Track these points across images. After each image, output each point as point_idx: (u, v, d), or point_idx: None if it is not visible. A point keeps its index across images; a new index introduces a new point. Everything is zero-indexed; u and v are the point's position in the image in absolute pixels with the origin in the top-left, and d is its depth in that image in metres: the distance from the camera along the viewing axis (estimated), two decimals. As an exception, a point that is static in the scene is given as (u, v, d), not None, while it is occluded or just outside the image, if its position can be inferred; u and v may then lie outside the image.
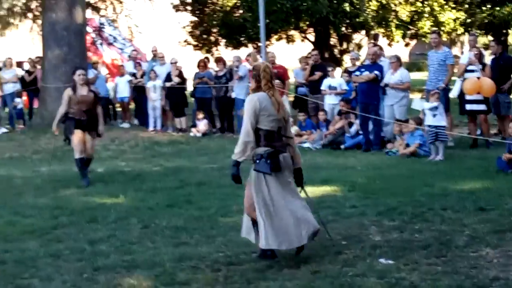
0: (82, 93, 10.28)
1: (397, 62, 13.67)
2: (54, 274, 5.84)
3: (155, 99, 17.44)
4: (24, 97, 20.13)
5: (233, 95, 16.52)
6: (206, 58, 19.61)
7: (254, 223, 5.89)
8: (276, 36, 28.09)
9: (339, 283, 5.26)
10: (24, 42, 27.93)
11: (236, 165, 5.82)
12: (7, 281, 5.67)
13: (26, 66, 20.76)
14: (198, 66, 17.58)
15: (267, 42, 23.96)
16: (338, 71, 17.62)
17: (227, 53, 26.74)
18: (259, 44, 18.41)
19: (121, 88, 18.69)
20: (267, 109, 5.78)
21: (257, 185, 5.79)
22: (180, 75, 17.56)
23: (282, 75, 15.80)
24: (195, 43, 29.84)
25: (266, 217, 5.72)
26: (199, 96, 17.45)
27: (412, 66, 44.39)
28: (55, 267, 6.07)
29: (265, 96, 5.82)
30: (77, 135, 10.34)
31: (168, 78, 17.41)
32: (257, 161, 5.76)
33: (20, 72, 20.21)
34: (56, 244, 6.91)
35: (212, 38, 29.49)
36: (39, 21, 22.56)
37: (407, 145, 12.59)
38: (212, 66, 19.58)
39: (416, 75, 30.47)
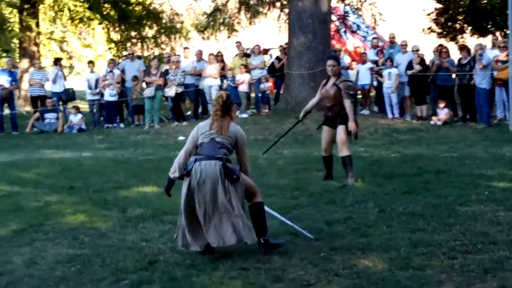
0: (327, 87, 9.52)
1: None
2: (292, 251, 6.11)
3: (389, 86, 17.46)
4: (270, 83, 21.04)
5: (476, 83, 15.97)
6: (440, 45, 19.08)
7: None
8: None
9: None
10: (272, 30, 29.09)
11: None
12: (249, 255, 6.02)
13: (274, 53, 21.62)
14: (440, 53, 17.22)
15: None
16: None
17: (471, 41, 25.81)
18: (507, 31, 17.57)
19: (362, 75, 18.88)
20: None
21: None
22: (422, 62, 17.34)
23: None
24: (439, 30, 29.16)
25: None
26: (440, 84, 17.10)
27: None
28: (294, 244, 6.35)
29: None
30: (324, 132, 9.76)
31: (409, 65, 17.30)
32: None
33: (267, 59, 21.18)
34: (295, 223, 7.23)
35: (457, 26, 28.62)
36: (286, 10, 23.38)
37: None
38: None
39: None
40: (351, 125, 9.30)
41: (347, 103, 9.28)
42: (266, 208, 6.47)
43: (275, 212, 6.91)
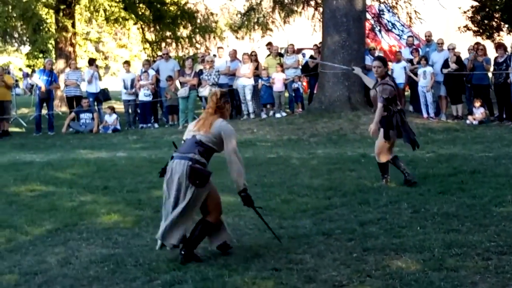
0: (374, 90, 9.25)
1: None
2: (325, 251, 6.11)
3: (424, 85, 17.31)
4: (304, 83, 21.00)
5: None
6: (477, 43, 18.84)
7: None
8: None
9: None
10: (305, 29, 29.00)
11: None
12: (281, 255, 6.04)
13: (307, 53, 21.56)
14: (476, 51, 17.03)
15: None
16: None
17: (508, 39, 25.46)
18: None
19: (397, 74, 18.70)
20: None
21: None
22: (458, 61, 17.15)
23: None
24: (476, 28, 28.82)
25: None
26: (476, 83, 16.90)
27: None
28: (327, 245, 6.34)
29: None
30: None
31: (445, 64, 17.13)
32: None
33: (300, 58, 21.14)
34: (328, 223, 7.21)
35: (494, 24, 28.24)
36: (321, 9, 23.30)
37: None
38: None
39: None
40: (372, 126, 9.15)
41: (378, 107, 9.01)
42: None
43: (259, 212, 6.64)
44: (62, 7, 27.91)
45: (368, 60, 17.99)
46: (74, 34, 29.43)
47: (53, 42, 32.31)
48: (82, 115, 19.30)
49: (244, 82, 18.57)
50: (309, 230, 6.89)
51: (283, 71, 18.92)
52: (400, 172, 9.22)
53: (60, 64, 28.00)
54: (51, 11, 29.51)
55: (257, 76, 18.99)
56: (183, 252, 6.05)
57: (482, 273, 5.26)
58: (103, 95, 20.48)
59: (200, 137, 6.19)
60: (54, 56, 31.79)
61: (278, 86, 18.61)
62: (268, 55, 20.55)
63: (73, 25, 28.77)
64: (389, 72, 9.51)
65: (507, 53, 16.47)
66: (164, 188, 6.14)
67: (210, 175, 6.14)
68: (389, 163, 9.28)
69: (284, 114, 18.56)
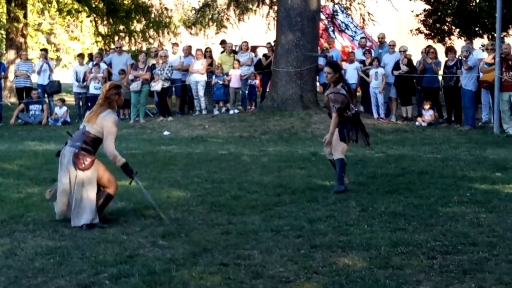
0: (326, 93, 9.19)
1: None
2: (273, 247, 6.11)
3: (375, 86, 17.51)
4: (257, 80, 21.04)
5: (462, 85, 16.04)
6: (428, 46, 19.14)
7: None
8: (514, 28, 26.64)
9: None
10: (260, 27, 29.03)
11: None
12: (230, 250, 6.03)
13: (260, 51, 21.60)
14: (427, 54, 17.30)
15: (504, 33, 22.83)
16: None
17: (459, 43, 25.88)
18: (494, 34, 17.65)
19: (350, 74, 18.87)
20: None
21: None
22: (409, 63, 17.40)
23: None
24: (428, 32, 29.24)
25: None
26: (426, 86, 17.18)
27: None
28: (275, 241, 6.34)
29: None
30: None
31: (396, 66, 17.35)
32: None
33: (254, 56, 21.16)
34: (277, 220, 7.22)
35: (446, 28, 28.69)
36: (275, 7, 23.35)
37: None
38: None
39: None
40: (328, 137, 8.97)
41: (333, 116, 8.88)
42: (136, 181, 7.33)
43: (141, 186, 7.50)
44: (14, -3, 27.46)
45: (321, 60, 18.11)
46: (26, 25, 28.96)
47: (3, 33, 31.69)
48: (31, 107, 19.02)
49: (197, 78, 18.52)
50: (258, 226, 6.89)
51: (239, 68, 18.92)
52: (346, 171, 9.23)
53: (11, 54, 27.53)
54: (3, 1, 29.04)
55: (210, 73, 18.96)
56: (86, 223, 6.93)
57: (427, 272, 5.33)
58: (52, 87, 20.10)
59: (88, 128, 7.06)
60: (4, 46, 31.21)
61: (234, 82, 18.59)
62: (222, 52, 20.53)
63: (25, 16, 28.32)
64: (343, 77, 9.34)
65: (457, 57, 16.75)
66: (58, 170, 7.13)
67: (94, 160, 7.01)
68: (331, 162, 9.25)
69: (236, 111, 18.56)
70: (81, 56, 21.12)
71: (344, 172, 8.95)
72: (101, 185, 7.15)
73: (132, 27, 30.53)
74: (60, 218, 7.18)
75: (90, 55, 22.16)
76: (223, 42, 21.38)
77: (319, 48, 19.38)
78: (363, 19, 26.23)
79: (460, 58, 16.45)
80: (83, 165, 6.91)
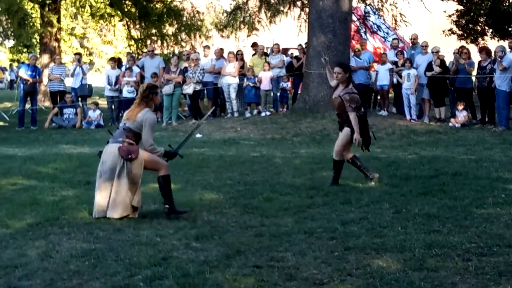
0: (335, 93, 9.35)
1: None
2: (306, 250, 6.09)
3: (408, 87, 17.38)
4: (289, 83, 21.04)
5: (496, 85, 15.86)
6: (461, 47, 18.98)
7: None
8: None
9: None
10: (291, 29, 29.01)
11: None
12: (263, 253, 6.03)
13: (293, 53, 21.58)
14: (460, 55, 17.14)
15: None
16: None
17: (492, 44, 25.62)
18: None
19: (382, 76, 18.82)
20: None
21: None
22: (442, 64, 17.26)
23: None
24: (460, 32, 28.99)
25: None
26: (459, 86, 17.02)
27: None
28: (308, 243, 6.33)
29: None
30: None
31: (429, 67, 17.22)
32: None
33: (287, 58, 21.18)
34: (310, 222, 7.21)
35: (478, 28, 28.43)
36: (307, 9, 23.32)
37: None
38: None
39: None
40: (356, 136, 9.05)
41: (352, 117, 8.99)
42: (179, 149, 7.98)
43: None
44: (47, 2, 27.82)
45: (353, 61, 18.05)
46: (59, 29, 29.31)
47: (37, 37, 32.10)
48: (65, 110, 19.23)
49: (229, 81, 18.57)
50: (291, 228, 6.89)
51: (270, 70, 18.93)
52: (379, 173, 9.32)
53: (45, 59, 27.88)
54: (37, 6, 29.39)
55: (242, 75, 19.00)
56: (166, 211, 7.44)
57: (462, 274, 5.28)
58: (82, 91, 20.25)
59: (129, 124, 7.41)
60: (38, 51, 31.61)
61: (265, 85, 18.62)
62: (254, 54, 20.55)
63: (59, 20, 28.66)
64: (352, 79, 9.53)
65: (491, 57, 16.56)
66: (99, 168, 7.45)
67: (138, 148, 7.37)
68: (348, 162, 9.45)
69: (268, 113, 18.58)
70: (113, 60, 21.32)
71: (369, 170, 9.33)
72: (151, 169, 7.57)
73: (164, 31, 30.74)
74: (100, 216, 7.40)
75: (119, 60, 22.28)
76: (254, 45, 21.43)
77: (351, 50, 19.29)
78: (395, 20, 26.04)
79: (494, 58, 16.26)
80: (131, 155, 7.26)
